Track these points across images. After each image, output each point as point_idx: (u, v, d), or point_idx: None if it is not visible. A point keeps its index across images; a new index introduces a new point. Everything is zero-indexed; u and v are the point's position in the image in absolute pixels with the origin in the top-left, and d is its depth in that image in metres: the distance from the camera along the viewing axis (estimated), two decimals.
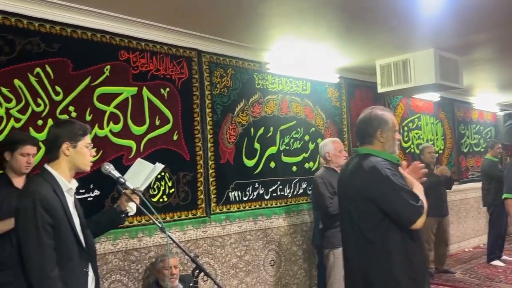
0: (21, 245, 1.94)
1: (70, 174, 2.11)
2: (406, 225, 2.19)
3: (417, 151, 6.56)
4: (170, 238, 2.22)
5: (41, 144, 3.11)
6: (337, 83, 5.45)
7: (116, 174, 2.25)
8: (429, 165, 5.83)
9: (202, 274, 2.26)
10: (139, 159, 2.51)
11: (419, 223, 2.18)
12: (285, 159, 4.82)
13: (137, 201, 2.25)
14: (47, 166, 2.08)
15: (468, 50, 4.98)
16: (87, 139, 2.13)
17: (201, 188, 4.05)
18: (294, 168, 4.90)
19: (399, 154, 2.72)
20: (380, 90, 5.19)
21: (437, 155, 6.47)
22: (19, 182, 2.86)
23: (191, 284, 3.46)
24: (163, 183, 3.77)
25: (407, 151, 6.54)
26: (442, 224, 5.87)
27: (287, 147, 4.85)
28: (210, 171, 4.13)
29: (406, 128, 6.58)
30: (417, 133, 6.81)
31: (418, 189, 2.30)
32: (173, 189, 3.84)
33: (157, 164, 2.40)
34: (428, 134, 7.06)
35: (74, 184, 2.14)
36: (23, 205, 1.95)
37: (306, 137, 5.07)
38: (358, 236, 2.29)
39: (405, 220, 2.18)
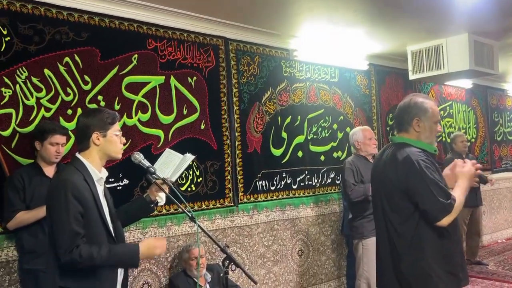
0: (52, 231, 1.94)
1: (101, 163, 2.10)
2: (431, 221, 2.11)
3: (448, 140, 6.38)
4: (201, 228, 2.19)
5: (71, 133, 3.14)
6: (367, 70, 5.32)
7: (146, 163, 2.23)
8: (460, 155, 5.68)
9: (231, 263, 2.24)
10: (167, 149, 2.48)
11: (445, 221, 2.08)
12: (313, 148, 4.75)
13: (167, 191, 2.23)
14: (78, 155, 2.07)
15: (504, 34, 4.78)
16: (116, 126, 2.11)
17: (229, 177, 4.03)
18: (322, 158, 4.82)
19: None
20: (411, 77, 5.04)
21: (469, 144, 6.28)
22: (49, 171, 2.89)
23: (221, 275, 3.48)
24: (191, 172, 3.76)
25: (438, 139, 6.34)
26: (474, 215, 5.72)
27: (315, 136, 4.77)
28: (237, 160, 4.10)
29: None
30: (448, 121, 6.61)
31: (460, 187, 2.18)
32: (200, 178, 3.82)
33: (187, 154, 2.37)
34: (460, 122, 6.85)
35: (105, 173, 2.13)
36: (55, 194, 1.95)
37: (335, 126, 4.98)
38: (389, 228, 2.24)
39: (430, 216, 2.10)
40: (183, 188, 3.69)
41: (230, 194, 4.03)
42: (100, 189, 2.08)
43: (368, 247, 3.61)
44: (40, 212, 2.75)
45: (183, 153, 2.45)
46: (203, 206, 3.83)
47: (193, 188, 3.77)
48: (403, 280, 2.18)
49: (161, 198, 2.28)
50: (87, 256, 1.88)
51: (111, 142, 2.07)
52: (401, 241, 2.18)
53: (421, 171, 2.09)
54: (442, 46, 4.78)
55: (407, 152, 2.16)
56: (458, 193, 2.15)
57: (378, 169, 2.36)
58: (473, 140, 7.03)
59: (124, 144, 2.17)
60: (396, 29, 4.41)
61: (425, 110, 2.23)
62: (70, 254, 1.87)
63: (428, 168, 2.11)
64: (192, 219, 2.15)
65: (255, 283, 2.25)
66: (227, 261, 2.26)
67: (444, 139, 6.45)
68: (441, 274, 2.13)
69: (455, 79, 5.47)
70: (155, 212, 3.47)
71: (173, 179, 2.32)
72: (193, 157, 2.39)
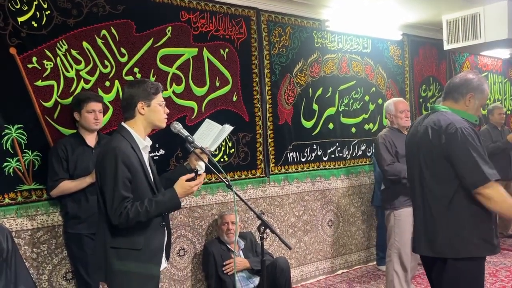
0: (103, 196, 2.05)
1: (145, 132, 2.19)
2: (469, 188, 2.13)
3: (483, 112, 6.23)
4: (237, 195, 2.27)
5: (109, 104, 3.24)
6: (400, 41, 5.21)
7: (185, 133, 2.30)
8: (496, 127, 5.57)
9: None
10: (207, 120, 2.54)
11: (483, 191, 2.08)
12: (344, 120, 4.74)
13: (206, 160, 2.30)
14: (124, 124, 2.16)
15: None
16: (160, 96, 2.18)
17: (260, 148, 4.08)
18: (353, 130, 4.81)
19: None
20: (446, 47, 4.91)
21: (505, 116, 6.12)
22: (91, 140, 3.00)
23: (257, 240, 3.58)
24: (223, 144, 3.83)
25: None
26: (508, 188, 5.60)
27: (346, 108, 4.75)
28: (269, 132, 4.14)
29: None
30: None
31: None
32: (233, 150, 3.89)
33: (226, 125, 2.42)
34: (496, 93, 6.67)
35: (149, 142, 2.21)
36: (105, 160, 2.05)
37: (366, 98, 4.93)
38: (426, 193, 2.27)
39: (469, 182, 2.11)
40: (216, 159, 3.77)
41: (262, 165, 4.10)
42: (146, 157, 2.17)
43: (400, 218, 3.61)
44: (83, 183, 2.88)
45: (223, 125, 2.50)
46: (236, 177, 3.92)
47: (226, 159, 3.85)
48: (436, 245, 2.23)
49: (201, 166, 2.36)
50: (135, 214, 2.00)
51: (155, 111, 2.15)
52: (438, 206, 2.22)
53: (465, 139, 2.13)
54: (479, 15, 4.62)
55: (451, 120, 2.20)
56: (510, 204, 2.11)
57: (418, 134, 2.36)
58: (508, 112, 6.85)
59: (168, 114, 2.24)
60: None
61: (482, 91, 2.32)
62: (120, 217, 1.99)
63: (471, 136, 2.15)
64: (229, 186, 2.23)
65: (290, 248, 2.31)
66: (262, 227, 2.33)
67: None
68: (475, 240, 2.16)
69: (492, 48, 5.30)
70: None
71: (212, 149, 2.39)
72: (231, 128, 2.45)
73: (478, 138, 2.17)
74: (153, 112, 2.15)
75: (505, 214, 2.16)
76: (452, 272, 2.19)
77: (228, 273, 3.39)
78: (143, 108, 2.13)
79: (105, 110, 3.21)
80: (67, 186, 2.88)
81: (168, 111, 2.24)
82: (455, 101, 2.32)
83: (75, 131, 3.03)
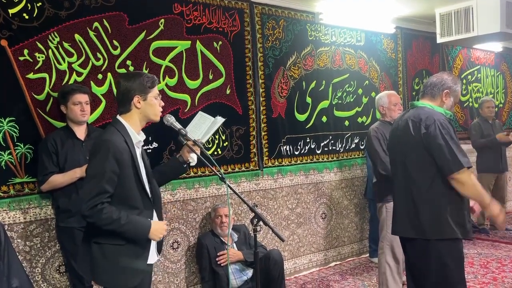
0: (84, 184, 2.06)
1: (140, 125, 2.17)
2: (445, 174, 2.33)
3: (476, 105, 6.28)
4: (230, 188, 2.27)
5: (102, 97, 3.23)
6: (393, 34, 5.22)
7: (178, 125, 2.29)
8: (487, 120, 5.62)
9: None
10: (200, 112, 2.54)
11: (459, 178, 2.29)
12: (338, 113, 4.75)
13: (198, 152, 2.30)
14: (119, 118, 2.13)
15: None
16: (156, 90, 2.16)
17: (254, 142, 4.09)
18: (347, 123, 4.83)
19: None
20: (439, 40, 4.92)
21: (496, 109, 6.16)
22: (81, 133, 2.97)
23: (250, 233, 3.60)
24: (217, 137, 3.83)
25: (464, 105, 6.26)
26: (499, 181, 5.68)
27: (340, 101, 4.76)
28: (262, 125, 4.15)
29: (464, 81, 6.27)
30: (476, 86, 6.48)
31: (483, 197, 2.38)
32: (226, 143, 3.90)
33: (218, 117, 2.42)
34: (488, 87, 6.70)
35: (142, 136, 2.20)
36: (96, 151, 2.03)
37: (360, 91, 4.95)
38: (408, 181, 2.47)
39: (446, 169, 2.32)
40: (209, 152, 3.77)
41: (255, 158, 4.10)
42: (138, 152, 2.15)
43: (392, 210, 3.64)
44: (73, 176, 2.86)
45: (215, 117, 2.51)
46: (229, 170, 3.92)
47: (219, 152, 3.85)
48: (418, 226, 2.43)
49: (193, 159, 2.36)
50: (108, 216, 1.96)
51: (151, 105, 2.13)
52: (419, 191, 2.43)
53: (442, 129, 2.34)
54: (472, 8, 4.63)
55: (429, 113, 2.43)
56: (480, 190, 2.36)
57: (399, 128, 2.58)
58: (501, 105, 6.89)
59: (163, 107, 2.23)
60: None
61: (455, 90, 2.58)
62: (92, 209, 1.95)
63: (447, 127, 2.37)
64: (222, 179, 2.23)
65: (283, 240, 2.33)
66: (256, 220, 2.34)
67: (471, 104, 6.35)
68: (452, 223, 2.38)
69: (484, 42, 5.31)
70: (184, 174, 3.56)
71: (203, 140, 2.39)
72: (223, 119, 2.45)
73: (453, 129, 2.40)
74: (149, 106, 2.13)
75: (475, 199, 2.40)
76: (436, 252, 2.40)
77: (222, 264, 3.40)
78: (139, 102, 2.10)
79: (97, 103, 3.21)
80: (58, 180, 2.86)
81: (163, 104, 2.22)
82: (433, 97, 2.55)
83: (65, 124, 3.00)
